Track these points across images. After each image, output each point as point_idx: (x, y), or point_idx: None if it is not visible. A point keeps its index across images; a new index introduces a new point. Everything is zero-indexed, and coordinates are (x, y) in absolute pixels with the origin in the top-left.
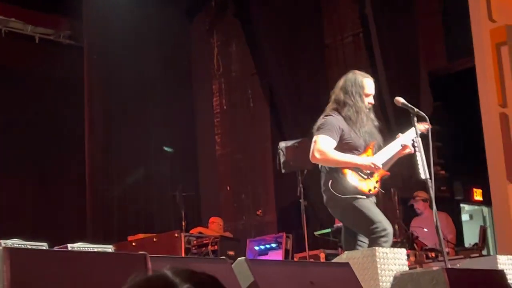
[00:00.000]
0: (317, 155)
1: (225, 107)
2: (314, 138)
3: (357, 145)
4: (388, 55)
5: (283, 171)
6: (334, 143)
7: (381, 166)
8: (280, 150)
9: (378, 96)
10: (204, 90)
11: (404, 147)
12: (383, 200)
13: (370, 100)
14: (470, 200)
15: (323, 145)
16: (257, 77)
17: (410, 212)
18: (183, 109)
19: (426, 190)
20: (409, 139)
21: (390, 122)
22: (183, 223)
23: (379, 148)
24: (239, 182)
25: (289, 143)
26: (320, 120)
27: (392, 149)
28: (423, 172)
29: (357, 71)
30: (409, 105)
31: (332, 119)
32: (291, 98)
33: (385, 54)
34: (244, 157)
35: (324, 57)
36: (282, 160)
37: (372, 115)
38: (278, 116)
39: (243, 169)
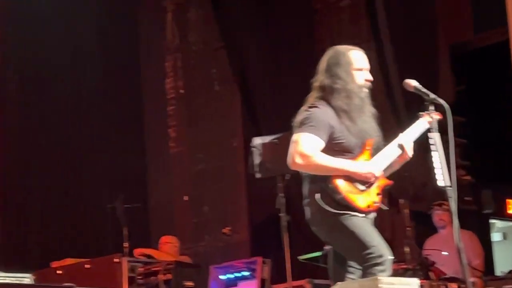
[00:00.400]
0: (298, 160)
1: (181, 91)
2: (295, 137)
3: (351, 145)
4: (397, 24)
5: (258, 175)
6: (321, 144)
7: (380, 175)
8: (254, 148)
9: (383, 78)
10: (154, 69)
11: (402, 151)
12: (389, 214)
13: (366, 75)
14: (503, 215)
15: (307, 147)
16: (224, 52)
17: (426, 229)
18: (127, 93)
19: (446, 200)
20: (411, 138)
21: (399, 111)
22: (126, 244)
23: (378, 148)
24: (200, 190)
25: (266, 139)
26: (303, 113)
27: (391, 152)
28: (442, 177)
29: (338, 46)
30: (424, 89)
31: (318, 111)
32: (270, 80)
33: (393, 23)
34: (207, 157)
35: (313, 26)
36: (256, 161)
37: (367, 103)
38: (251, 104)
39: (205, 172)
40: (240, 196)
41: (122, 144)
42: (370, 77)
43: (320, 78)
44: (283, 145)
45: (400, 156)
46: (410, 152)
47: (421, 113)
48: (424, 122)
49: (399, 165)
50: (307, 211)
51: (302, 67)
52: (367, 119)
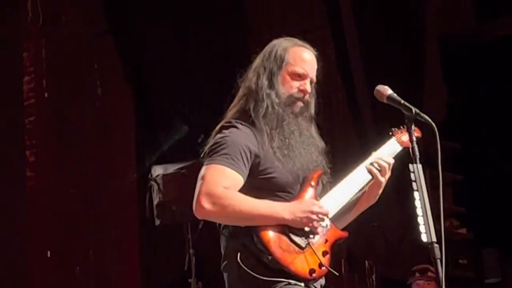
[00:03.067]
0: (206, 204)
1: (46, 94)
2: (202, 170)
3: (286, 181)
4: (364, 3)
5: (157, 222)
6: (239, 180)
7: (330, 216)
8: (153, 182)
9: (344, 82)
10: (5, 62)
11: (374, 178)
12: (349, 283)
13: (305, 86)
14: None
15: (216, 185)
16: (112, 39)
17: None
18: None
19: (432, 264)
20: (386, 160)
21: (367, 132)
22: None
23: (328, 185)
24: (72, 241)
25: (171, 168)
26: (215, 136)
27: (353, 186)
28: (427, 230)
29: (286, 38)
30: (403, 101)
31: (236, 134)
32: (178, 80)
33: (359, 5)
34: (83, 193)
35: (243, 4)
36: (156, 200)
37: (307, 121)
38: (150, 115)
39: (79, 216)
40: (132, 252)
41: None
42: (308, 90)
43: (249, 77)
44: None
45: (365, 193)
46: (386, 174)
47: (393, 129)
48: (396, 143)
49: (368, 203)
50: (226, 278)
51: (226, 62)
52: (308, 143)
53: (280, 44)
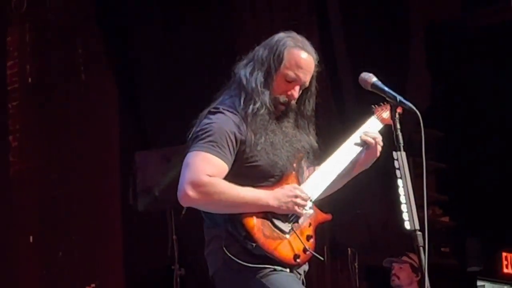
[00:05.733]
0: (190, 191)
1: (30, 80)
2: (187, 157)
3: (269, 168)
4: None
5: (140, 208)
6: (223, 168)
7: (312, 199)
8: (136, 168)
9: (329, 69)
10: None
11: (369, 146)
12: (331, 269)
13: (293, 91)
14: (495, 275)
15: (201, 173)
16: (96, 25)
17: None
18: None
19: (415, 251)
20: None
21: (349, 117)
22: None
23: (310, 168)
24: (54, 227)
25: (154, 153)
26: (201, 122)
27: (337, 166)
28: (409, 218)
29: (290, 34)
30: (387, 88)
31: (222, 120)
32: (165, 65)
33: None
34: (65, 179)
35: None
36: (140, 187)
37: (291, 122)
38: (135, 100)
39: (62, 202)
40: (115, 238)
41: None
42: (296, 95)
43: (242, 72)
44: (178, 163)
45: (366, 152)
46: (379, 144)
47: (374, 106)
48: (377, 120)
49: (362, 167)
50: (210, 265)
51: (212, 47)
52: (292, 142)
53: (283, 41)
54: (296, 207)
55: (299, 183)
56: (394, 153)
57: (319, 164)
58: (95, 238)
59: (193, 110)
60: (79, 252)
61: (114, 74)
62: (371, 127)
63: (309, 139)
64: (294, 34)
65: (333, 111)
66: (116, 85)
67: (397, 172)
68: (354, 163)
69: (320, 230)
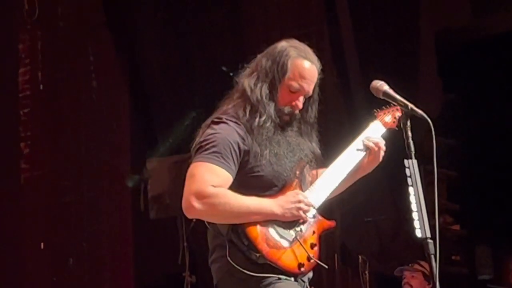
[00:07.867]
0: (195, 202)
1: (41, 86)
2: (191, 168)
3: (273, 179)
4: (360, 1)
5: (152, 216)
6: (228, 179)
7: (315, 207)
8: (148, 175)
9: (340, 77)
10: (1, 54)
11: (371, 150)
12: (342, 277)
13: (297, 102)
14: (506, 283)
15: (206, 184)
16: (107, 32)
17: None
18: None
19: (426, 259)
20: (376, 137)
21: (360, 123)
22: None
23: (313, 172)
24: (65, 233)
25: (165, 160)
26: (204, 132)
27: (340, 172)
28: (421, 225)
29: (293, 43)
30: (398, 96)
31: (225, 130)
32: (174, 73)
33: (354, 0)
34: (77, 186)
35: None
36: (150, 193)
37: (295, 132)
38: (146, 107)
39: (73, 209)
40: (126, 245)
41: None
42: (300, 105)
43: (246, 82)
44: None
45: (369, 157)
46: (382, 149)
47: (376, 111)
48: (380, 125)
49: (364, 172)
50: (214, 273)
51: (221, 57)
52: (296, 151)
53: (286, 51)
54: (300, 212)
55: (302, 191)
56: (405, 161)
57: (322, 167)
58: (106, 245)
59: (204, 118)
60: (89, 259)
61: (125, 81)
62: (374, 132)
63: (312, 146)
64: (296, 43)
65: (343, 118)
66: (127, 91)
67: (408, 179)
68: (357, 168)
69: (331, 238)
